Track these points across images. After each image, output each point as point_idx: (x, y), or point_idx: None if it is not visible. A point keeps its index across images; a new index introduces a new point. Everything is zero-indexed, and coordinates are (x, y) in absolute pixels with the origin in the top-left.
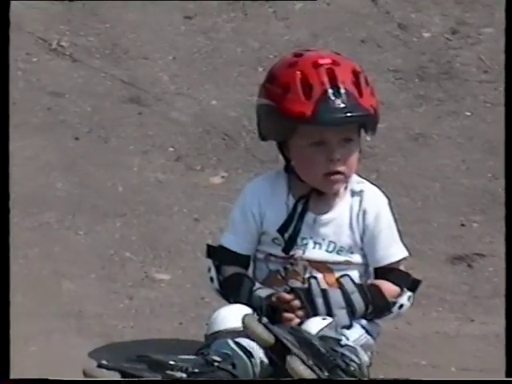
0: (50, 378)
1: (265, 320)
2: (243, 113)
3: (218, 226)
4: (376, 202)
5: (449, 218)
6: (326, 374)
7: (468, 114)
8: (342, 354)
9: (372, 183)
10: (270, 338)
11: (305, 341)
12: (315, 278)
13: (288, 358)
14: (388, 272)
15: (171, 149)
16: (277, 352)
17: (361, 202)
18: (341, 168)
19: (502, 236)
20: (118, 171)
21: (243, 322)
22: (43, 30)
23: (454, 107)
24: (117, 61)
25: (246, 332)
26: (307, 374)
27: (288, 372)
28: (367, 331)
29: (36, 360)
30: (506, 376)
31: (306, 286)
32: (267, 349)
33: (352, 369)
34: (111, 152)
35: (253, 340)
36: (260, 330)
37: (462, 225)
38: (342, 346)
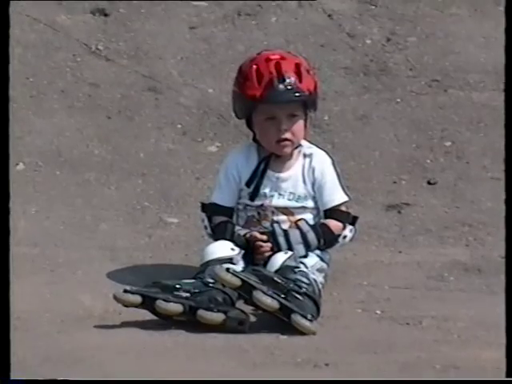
0: (76, 291)
1: (236, 267)
2: None
3: (214, 183)
4: (321, 161)
5: (384, 177)
6: (283, 296)
7: (399, 100)
8: (296, 279)
9: (320, 148)
10: (237, 281)
11: (264, 276)
12: (278, 222)
13: (253, 292)
14: (333, 212)
15: (179, 125)
16: (244, 290)
17: (310, 161)
18: (288, 135)
19: (422, 190)
20: (140, 142)
21: (214, 273)
22: (86, 37)
23: (388, 96)
24: (139, 60)
25: (218, 280)
26: (269, 301)
27: (256, 304)
28: (321, 258)
29: (81, 280)
30: (506, 376)
31: (271, 229)
32: (237, 290)
33: (303, 290)
34: (135, 128)
35: (232, 263)
36: (227, 277)
37: (394, 182)
38: (295, 272)
